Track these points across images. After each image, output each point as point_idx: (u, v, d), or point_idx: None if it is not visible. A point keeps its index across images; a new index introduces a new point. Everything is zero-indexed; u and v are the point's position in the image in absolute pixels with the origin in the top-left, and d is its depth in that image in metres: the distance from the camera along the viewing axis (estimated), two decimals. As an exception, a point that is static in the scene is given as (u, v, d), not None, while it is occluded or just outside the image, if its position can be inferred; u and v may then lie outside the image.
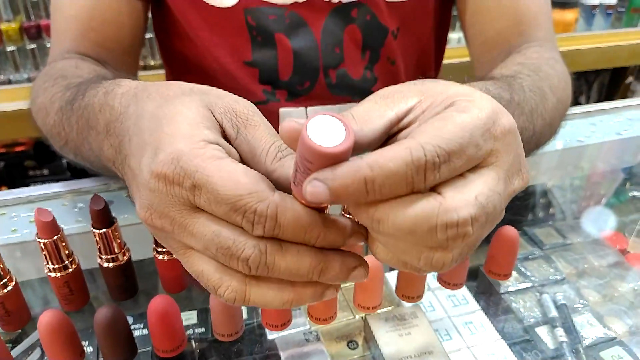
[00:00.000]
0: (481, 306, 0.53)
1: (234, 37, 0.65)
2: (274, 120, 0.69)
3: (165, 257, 0.45)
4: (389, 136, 0.30)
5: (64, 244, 0.43)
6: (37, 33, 1.28)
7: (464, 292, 0.54)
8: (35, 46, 1.27)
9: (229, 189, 0.27)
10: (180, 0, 0.64)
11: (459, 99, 0.28)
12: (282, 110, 0.69)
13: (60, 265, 0.43)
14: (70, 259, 0.44)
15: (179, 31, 0.68)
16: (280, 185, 0.30)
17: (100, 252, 0.44)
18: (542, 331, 0.51)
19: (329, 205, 0.30)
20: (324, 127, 0.24)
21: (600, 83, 1.75)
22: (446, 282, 0.47)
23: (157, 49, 0.79)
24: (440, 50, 0.80)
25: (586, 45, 1.42)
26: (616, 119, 0.80)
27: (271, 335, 0.49)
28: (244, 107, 0.32)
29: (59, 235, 0.42)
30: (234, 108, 0.31)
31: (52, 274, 0.43)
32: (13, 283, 0.43)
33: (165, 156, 0.28)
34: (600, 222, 0.67)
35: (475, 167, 0.28)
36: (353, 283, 0.44)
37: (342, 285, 0.54)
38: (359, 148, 0.28)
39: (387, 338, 0.47)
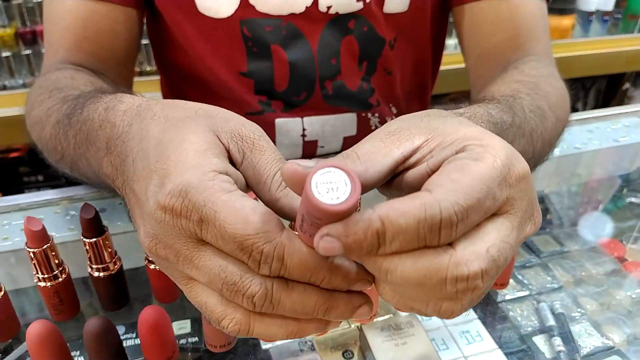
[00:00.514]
0: (478, 315, 0.52)
1: (229, 48, 0.65)
2: (270, 130, 0.69)
3: (158, 267, 0.45)
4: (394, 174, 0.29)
5: (53, 253, 0.42)
6: (33, 39, 1.27)
7: (460, 300, 0.54)
8: (30, 52, 1.27)
9: (236, 227, 0.26)
10: (175, 10, 0.64)
11: (471, 144, 0.28)
12: (278, 121, 0.69)
13: (50, 275, 0.42)
14: (61, 269, 0.43)
15: (173, 41, 0.67)
16: (284, 214, 0.30)
17: (90, 262, 0.44)
18: (540, 340, 0.50)
19: None
20: (328, 179, 0.24)
21: (597, 89, 1.76)
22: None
23: (153, 57, 0.79)
24: (437, 59, 0.79)
25: (583, 52, 1.42)
26: (613, 126, 0.80)
27: (265, 345, 0.48)
28: (250, 131, 0.31)
29: (48, 244, 0.41)
30: (240, 132, 0.31)
31: (42, 284, 0.43)
32: (2, 292, 0.42)
33: (173, 187, 0.27)
34: (597, 228, 0.66)
35: (490, 216, 0.27)
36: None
37: (337, 294, 0.54)
38: (365, 189, 0.28)
39: (383, 348, 0.46)
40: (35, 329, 0.36)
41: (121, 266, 0.45)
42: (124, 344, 0.46)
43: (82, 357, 0.46)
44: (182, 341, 0.48)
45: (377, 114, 0.73)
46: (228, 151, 0.30)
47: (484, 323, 0.51)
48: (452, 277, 0.25)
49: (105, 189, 0.42)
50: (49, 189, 0.63)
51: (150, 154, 0.30)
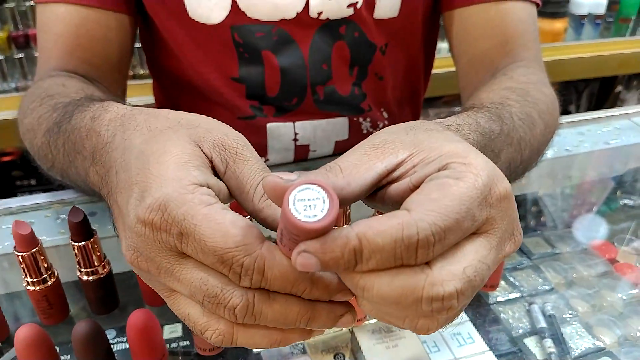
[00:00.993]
0: (469, 317, 0.52)
1: (220, 54, 0.65)
2: (261, 135, 0.69)
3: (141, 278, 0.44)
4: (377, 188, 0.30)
5: (42, 257, 0.42)
6: (25, 42, 1.27)
7: (452, 303, 0.54)
8: (23, 55, 1.26)
9: (216, 241, 0.26)
10: (166, 16, 0.64)
11: (454, 162, 0.28)
12: (269, 125, 0.69)
13: (39, 279, 0.42)
14: (49, 272, 0.43)
15: (165, 47, 0.67)
16: (267, 225, 0.30)
17: (79, 265, 0.44)
18: (531, 342, 0.51)
19: None
20: (307, 195, 0.24)
21: (589, 92, 1.76)
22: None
23: (146, 61, 0.78)
24: (429, 62, 0.79)
25: (575, 55, 1.43)
26: (604, 129, 0.80)
27: (256, 348, 0.48)
28: (233, 141, 0.31)
29: (37, 247, 0.41)
30: (222, 141, 0.31)
31: (31, 287, 0.42)
32: (-10, 297, 0.42)
33: (153, 201, 0.27)
34: (591, 230, 0.67)
35: (469, 235, 0.27)
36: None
37: (329, 297, 0.54)
38: (346, 202, 0.28)
39: (374, 350, 0.46)
40: (23, 333, 0.36)
41: (110, 270, 0.45)
42: (115, 348, 0.46)
43: (73, 361, 0.46)
44: (173, 345, 0.48)
45: (368, 119, 0.73)
46: (211, 161, 0.30)
47: (475, 325, 0.52)
48: (428, 297, 0.25)
49: (95, 196, 0.42)
50: (41, 193, 0.63)
51: (131, 166, 0.30)
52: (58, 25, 0.60)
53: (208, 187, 0.28)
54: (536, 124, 0.51)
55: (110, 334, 0.48)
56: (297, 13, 0.62)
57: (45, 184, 1.40)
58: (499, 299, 0.55)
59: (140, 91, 1.10)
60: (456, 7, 0.66)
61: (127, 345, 0.48)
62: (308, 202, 0.24)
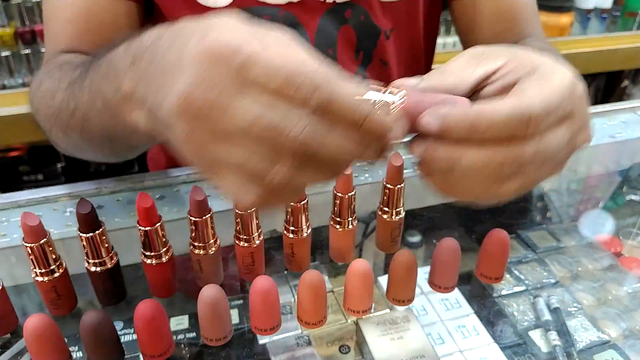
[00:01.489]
0: (474, 310, 0.53)
1: None
2: None
3: (154, 261, 0.45)
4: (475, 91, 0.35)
5: (50, 248, 0.42)
6: (32, 38, 1.28)
7: (457, 295, 0.54)
8: (29, 51, 1.27)
9: (288, 59, 0.27)
10: (171, 0, 0.64)
11: (543, 67, 0.33)
12: None
13: (47, 270, 0.42)
14: (58, 263, 0.43)
15: None
16: None
17: (87, 257, 0.44)
18: (536, 335, 0.51)
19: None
20: None
21: (596, 87, 1.75)
22: (437, 285, 0.47)
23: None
24: (430, 54, 0.80)
25: (581, 49, 1.42)
26: (610, 122, 0.80)
27: (262, 340, 0.48)
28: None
29: (45, 239, 0.41)
30: None
31: (39, 279, 0.43)
32: (0, 287, 0.42)
33: (218, 34, 0.27)
34: (597, 225, 0.66)
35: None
36: (343, 286, 0.44)
37: (334, 289, 0.54)
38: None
39: (378, 342, 0.46)
40: (32, 322, 0.36)
41: (118, 261, 0.46)
42: (122, 340, 0.46)
43: (80, 352, 0.47)
44: (180, 336, 0.49)
45: None
46: None
47: (480, 318, 0.52)
48: (509, 159, 0.31)
49: (118, 129, 0.42)
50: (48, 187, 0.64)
51: (186, 29, 0.30)
52: (67, 11, 0.61)
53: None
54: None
55: (118, 325, 0.48)
56: None
57: (52, 179, 1.41)
58: (504, 292, 0.55)
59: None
60: None
61: (134, 337, 0.48)
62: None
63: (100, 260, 0.44)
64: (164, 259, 0.45)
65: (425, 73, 0.84)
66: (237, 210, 0.45)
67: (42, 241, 0.41)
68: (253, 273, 0.47)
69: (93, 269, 0.44)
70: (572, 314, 0.53)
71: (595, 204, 0.73)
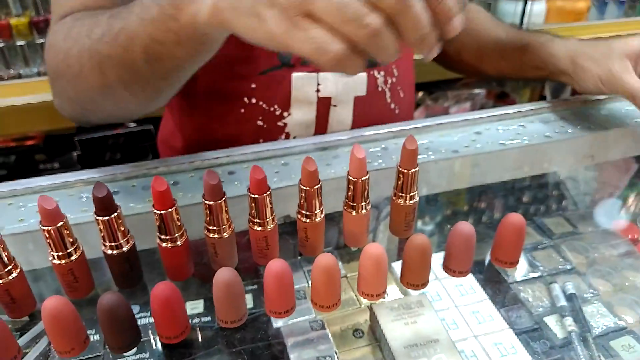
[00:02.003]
0: (489, 296, 0.52)
1: None
2: (285, 86, 0.71)
3: (169, 245, 0.45)
4: None
5: (67, 232, 0.43)
6: (47, 27, 1.28)
7: (471, 281, 0.54)
8: (44, 40, 1.28)
9: None
10: None
11: None
12: (294, 75, 0.71)
13: (64, 253, 0.43)
14: (75, 247, 0.44)
15: None
16: None
17: (104, 240, 0.44)
18: (551, 320, 0.50)
19: None
20: None
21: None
22: (452, 269, 0.47)
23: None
24: None
25: (598, 34, 1.40)
26: (629, 106, 0.79)
27: (276, 323, 0.49)
28: None
29: (62, 222, 0.42)
30: None
31: (57, 262, 0.43)
32: (18, 270, 0.43)
33: None
34: (612, 214, 0.66)
35: None
36: (356, 272, 0.44)
37: (347, 274, 0.54)
38: None
39: (392, 326, 0.46)
40: (50, 304, 0.37)
41: (134, 245, 0.46)
42: (138, 323, 0.47)
43: (97, 336, 0.47)
44: (195, 320, 0.49)
45: (382, 72, 0.77)
46: None
47: (494, 303, 0.51)
48: None
49: (161, 55, 0.47)
50: (64, 174, 0.64)
51: None
52: None
53: None
54: None
55: (134, 309, 0.49)
56: None
57: (68, 168, 1.42)
58: (519, 278, 0.55)
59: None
60: None
61: (150, 320, 0.49)
62: None
63: (117, 243, 0.44)
64: (179, 243, 0.45)
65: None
66: (251, 195, 0.45)
67: (59, 224, 0.41)
68: (267, 257, 0.48)
69: (110, 252, 0.44)
70: (588, 300, 0.52)
71: (612, 192, 0.72)
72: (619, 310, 0.51)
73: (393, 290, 0.52)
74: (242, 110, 0.73)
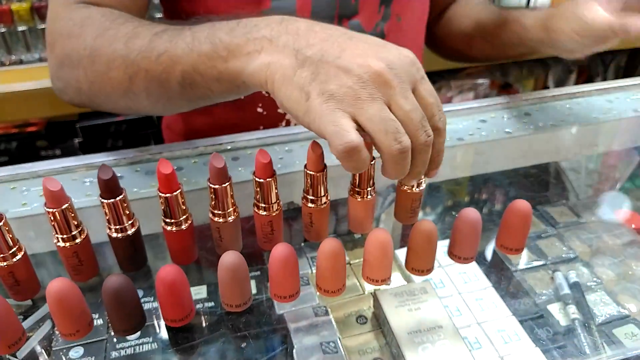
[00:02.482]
0: (492, 283, 0.52)
1: None
2: None
3: (174, 228, 0.45)
4: None
5: (72, 214, 0.43)
6: (48, 13, 1.27)
7: (474, 269, 0.54)
8: (46, 26, 1.27)
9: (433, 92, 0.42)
10: None
11: None
12: None
13: (69, 235, 0.43)
14: (79, 229, 0.44)
15: None
16: None
17: (109, 223, 0.44)
18: (554, 308, 0.50)
19: None
20: None
21: (616, 65, 1.72)
22: (457, 256, 0.47)
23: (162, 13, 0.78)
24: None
25: (604, 25, 1.39)
26: (633, 97, 0.78)
27: (280, 309, 0.49)
28: None
29: (67, 205, 0.42)
30: None
31: (61, 244, 0.43)
32: (22, 252, 0.43)
33: (392, 57, 0.40)
34: (614, 206, 0.65)
35: None
36: (362, 258, 0.44)
37: (351, 261, 0.54)
38: None
39: (396, 313, 0.46)
40: (55, 285, 0.37)
41: (139, 228, 0.46)
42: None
43: (101, 320, 0.47)
44: (199, 305, 0.49)
45: None
46: None
47: (498, 291, 0.51)
48: None
49: (211, 79, 0.48)
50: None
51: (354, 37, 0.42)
52: None
53: None
54: None
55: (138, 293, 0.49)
56: None
57: (70, 155, 1.42)
58: (522, 267, 0.55)
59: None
60: None
61: (154, 305, 0.49)
62: None
63: (121, 226, 0.44)
64: (184, 226, 0.45)
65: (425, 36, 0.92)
66: (256, 179, 0.45)
67: (64, 206, 0.41)
68: (272, 242, 0.47)
69: (114, 235, 0.44)
70: (591, 289, 0.52)
71: (613, 185, 0.72)
72: (622, 298, 0.51)
73: (396, 278, 0.52)
74: (242, 97, 0.73)
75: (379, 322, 0.48)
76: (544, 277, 0.54)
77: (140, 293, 0.50)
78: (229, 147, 0.65)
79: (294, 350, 0.44)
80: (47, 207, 0.41)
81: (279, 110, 0.73)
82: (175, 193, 0.43)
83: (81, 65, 0.55)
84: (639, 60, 1.68)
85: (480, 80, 1.49)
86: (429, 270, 0.46)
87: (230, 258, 0.39)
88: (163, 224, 0.45)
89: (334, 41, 0.41)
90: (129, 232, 0.44)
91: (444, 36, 0.88)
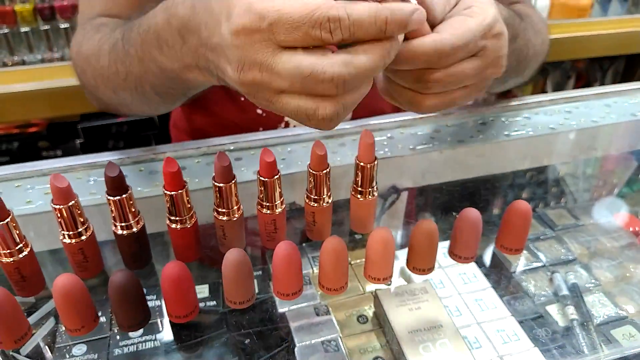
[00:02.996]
0: (491, 284, 0.53)
1: None
2: None
3: (179, 226, 0.46)
4: None
5: (79, 211, 0.43)
6: (51, 14, 1.28)
7: (474, 270, 0.54)
8: (49, 27, 1.27)
9: (300, 10, 0.32)
10: None
11: (474, 6, 0.41)
12: None
13: (75, 232, 0.43)
14: (85, 226, 0.44)
15: None
16: None
17: (114, 220, 0.45)
18: (553, 309, 0.51)
19: None
20: None
21: (614, 70, 1.73)
22: (457, 255, 0.47)
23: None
24: None
25: (601, 31, 1.40)
26: (631, 101, 0.79)
27: (282, 308, 0.49)
28: None
29: (74, 202, 0.42)
30: None
31: (67, 241, 0.44)
32: (28, 249, 0.43)
33: (239, 11, 0.33)
34: (612, 209, 0.66)
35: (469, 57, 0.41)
36: (363, 259, 0.45)
37: (352, 261, 0.54)
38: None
39: (397, 312, 0.47)
40: (61, 281, 0.37)
41: (144, 226, 0.46)
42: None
43: (104, 317, 0.48)
44: (201, 304, 0.50)
45: None
46: None
47: (497, 292, 0.52)
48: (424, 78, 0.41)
49: (178, 87, 0.50)
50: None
51: (214, 7, 0.37)
52: None
53: None
54: (538, 33, 0.66)
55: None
56: None
57: (72, 155, 1.42)
58: (521, 268, 0.55)
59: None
60: None
61: (157, 303, 0.49)
62: None
63: (127, 223, 0.44)
64: (188, 224, 0.46)
65: None
66: (261, 178, 0.45)
67: (70, 203, 0.42)
68: (275, 240, 0.48)
69: (120, 232, 0.45)
70: (589, 290, 0.53)
71: (612, 188, 0.73)
72: (620, 300, 0.52)
73: (395, 278, 0.53)
74: (242, 99, 0.73)
75: (380, 322, 0.49)
76: (543, 278, 0.54)
77: (144, 291, 0.50)
78: (231, 148, 0.66)
79: (296, 349, 0.45)
80: (54, 204, 0.42)
81: None
82: (180, 191, 0.44)
83: (83, 84, 0.60)
84: (637, 65, 1.70)
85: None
86: (430, 269, 0.46)
87: (234, 255, 0.39)
88: (168, 221, 0.46)
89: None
90: (135, 230, 0.45)
91: None
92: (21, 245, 0.42)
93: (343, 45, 0.35)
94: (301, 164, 0.63)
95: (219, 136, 0.68)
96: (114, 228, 0.45)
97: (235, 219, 0.46)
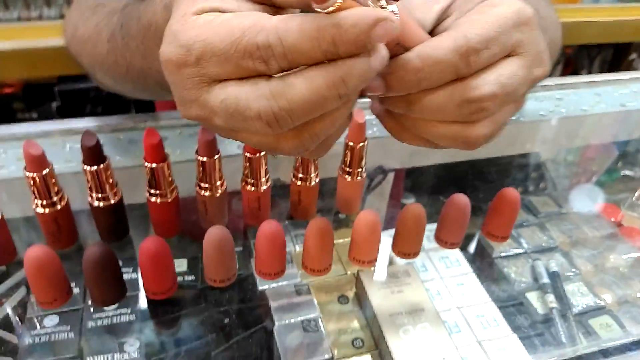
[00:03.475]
0: (473, 269, 0.53)
1: None
2: None
3: (159, 200, 0.44)
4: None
5: (53, 180, 0.41)
6: (29, -31, 1.22)
7: (457, 254, 0.54)
8: (26, -17, 1.22)
9: (224, 39, 0.26)
10: None
11: None
12: None
13: (49, 202, 0.42)
14: (59, 196, 0.42)
15: None
16: None
17: (90, 191, 0.43)
18: (533, 296, 0.51)
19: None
20: None
21: (602, 59, 1.73)
22: (444, 241, 0.47)
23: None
24: None
25: (591, 18, 1.39)
26: (621, 91, 0.79)
27: (262, 286, 0.48)
28: None
29: (48, 170, 0.40)
30: None
31: (40, 210, 0.42)
32: (-1, 216, 0.41)
33: (166, 43, 0.28)
34: (595, 199, 0.66)
35: (505, 56, 0.31)
36: (348, 238, 0.44)
37: (335, 241, 0.54)
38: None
39: (378, 294, 0.46)
40: (33, 252, 0.35)
41: (122, 197, 0.45)
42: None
43: (78, 288, 0.46)
44: (179, 279, 0.48)
45: None
46: None
47: (479, 277, 0.52)
48: (467, 99, 0.29)
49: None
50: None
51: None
52: None
53: (218, 10, 0.28)
54: (552, 27, 0.58)
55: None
56: None
57: (47, 118, 1.38)
58: (503, 254, 0.55)
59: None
60: None
61: (134, 275, 0.48)
62: None
63: (104, 195, 0.43)
64: (169, 198, 0.44)
65: None
66: (246, 154, 0.44)
67: (44, 171, 0.40)
68: (259, 218, 0.47)
69: (96, 203, 0.43)
70: (569, 279, 0.53)
71: (590, 178, 0.73)
72: (599, 290, 0.52)
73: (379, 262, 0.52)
74: None
75: (361, 303, 0.48)
76: (524, 265, 0.55)
77: (120, 264, 0.49)
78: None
79: (275, 328, 0.44)
80: (27, 171, 0.40)
81: None
82: (161, 164, 0.42)
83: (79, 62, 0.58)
84: (625, 54, 1.70)
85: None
86: (415, 253, 0.46)
87: (216, 232, 0.38)
88: (147, 194, 0.44)
89: None
90: (112, 201, 0.43)
91: None
92: (-9, 212, 0.41)
93: None
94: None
95: None
96: (90, 199, 0.43)
97: (218, 194, 0.45)
